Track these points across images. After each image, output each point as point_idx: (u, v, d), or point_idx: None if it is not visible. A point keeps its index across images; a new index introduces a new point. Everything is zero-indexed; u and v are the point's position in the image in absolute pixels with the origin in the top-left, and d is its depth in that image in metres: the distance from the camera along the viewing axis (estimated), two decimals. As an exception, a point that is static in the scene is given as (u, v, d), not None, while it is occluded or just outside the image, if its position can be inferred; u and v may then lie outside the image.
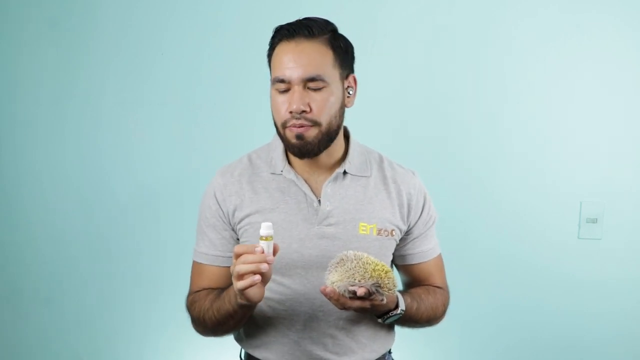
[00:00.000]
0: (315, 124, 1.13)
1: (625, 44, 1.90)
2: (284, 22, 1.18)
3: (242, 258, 1.01)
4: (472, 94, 1.95)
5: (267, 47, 1.19)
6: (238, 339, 1.29)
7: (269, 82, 1.21)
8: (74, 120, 2.05)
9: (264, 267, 1.00)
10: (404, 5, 1.94)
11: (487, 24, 1.93)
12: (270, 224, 1.03)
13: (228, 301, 1.12)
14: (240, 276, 1.01)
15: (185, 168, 2.03)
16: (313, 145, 1.15)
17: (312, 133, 1.14)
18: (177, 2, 2.00)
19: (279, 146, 1.23)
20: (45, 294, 2.12)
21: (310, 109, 1.13)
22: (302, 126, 1.13)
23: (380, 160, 1.28)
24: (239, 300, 1.07)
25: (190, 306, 1.23)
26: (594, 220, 1.94)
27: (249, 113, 1.98)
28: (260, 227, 1.04)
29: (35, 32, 2.04)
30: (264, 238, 1.03)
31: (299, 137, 1.13)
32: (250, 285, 1.01)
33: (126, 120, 2.04)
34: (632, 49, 1.90)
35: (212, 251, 1.23)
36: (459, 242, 1.92)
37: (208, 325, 1.18)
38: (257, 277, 1.01)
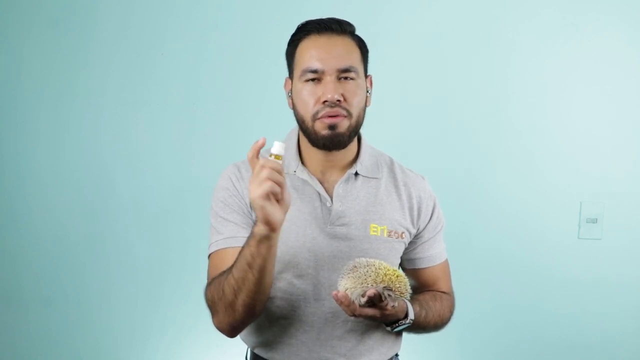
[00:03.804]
0: (349, 114, 1.14)
1: (626, 45, 1.90)
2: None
3: (263, 166, 0.96)
4: (471, 95, 1.95)
5: (286, 43, 1.20)
6: (244, 339, 1.29)
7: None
8: (75, 120, 2.06)
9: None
10: (404, 6, 1.94)
11: (487, 24, 1.93)
12: (283, 143, 1.00)
13: (246, 244, 1.04)
14: (260, 182, 0.96)
15: (187, 168, 2.03)
16: (344, 136, 1.15)
17: (344, 124, 1.14)
18: (177, 2, 2.00)
19: (292, 145, 1.23)
20: (46, 295, 2.12)
21: (344, 99, 1.13)
22: (337, 116, 1.13)
23: (391, 163, 1.29)
24: (260, 231, 1.00)
25: (209, 290, 1.13)
26: (594, 220, 1.94)
27: (249, 112, 1.98)
28: None
29: (35, 32, 2.04)
30: (273, 156, 1.00)
31: (332, 127, 1.13)
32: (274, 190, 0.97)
33: (127, 121, 2.04)
34: (633, 50, 1.90)
35: (241, 233, 1.16)
36: (459, 242, 1.91)
37: (228, 296, 1.07)
38: (278, 185, 0.97)
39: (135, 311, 2.11)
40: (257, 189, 0.97)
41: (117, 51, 2.02)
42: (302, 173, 1.20)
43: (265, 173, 0.97)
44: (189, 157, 2.03)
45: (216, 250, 1.18)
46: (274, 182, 0.97)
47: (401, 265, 1.30)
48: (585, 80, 1.92)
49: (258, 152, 0.99)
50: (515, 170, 1.96)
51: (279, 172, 0.98)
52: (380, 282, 1.03)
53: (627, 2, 1.88)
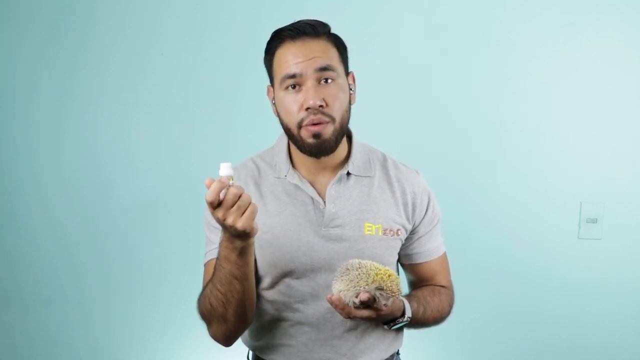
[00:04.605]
0: (332, 119, 1.13)
1: (626, 45, 1.90)
2: (284, 23, 1.18)
3: (231, 195, 0.96)
4: (471, 94, 1.95)
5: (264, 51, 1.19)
6: (245, 341, 1.29)
7: (268, 81, 1.21)
8: (75, 120, 2.06)
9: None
10: (404, 5, 1.94)
11: (487, 24, 1.93)
12: (230, 163, 0.99)
13: (225, 259, 1.05)
14: (241, 211, 0.97)
15: (187, 168, 2.03)
16: (330, 142, 1.14)
17: (329, 130, 1.13)
18: (177, 2, 2.00)
19: (283, 149, 1.22)
20: (46, 295, 2.13)
21: (326, 104, 1.12)
22: (320, 123, 1.12)
23: (384, 159, 1.28)
24: (241, 244, 1.02)
25: (198, 305, 1.15)
26: (594, 220, 1.94)
27: (249, 112, 1.98)
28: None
29: (35, 32, 2.04)
30: (229, 179, 0.99)
31: (316, 135, 1.12)
32: (256, 211, 0.99)
33: (127, 121, 2.04)
34: (633, 50, 1.90)
35: None
36: (459, 242, 1.91)
37: (217, 309, 1.10)
38: (255, 205, 0.99)
39: (135, 311, 2.11)
40: (249, 218, 0.98)
41: (117, 51, 2.02)
42: (293, 177, 1.19)
43: (246, 199, 0.97)
44: (189, 157, 2.03)
45: (210, 260, 1.19)
46: (249, 202, 0.98)
47: (399, 260, 1.30)
48: (585, 80, 1.92)
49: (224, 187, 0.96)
50: (515, 170, 1.96)
51: (243, 191, 0.98)
52: (372, 282, 1.04)
53: (627, 2, 1.88)
